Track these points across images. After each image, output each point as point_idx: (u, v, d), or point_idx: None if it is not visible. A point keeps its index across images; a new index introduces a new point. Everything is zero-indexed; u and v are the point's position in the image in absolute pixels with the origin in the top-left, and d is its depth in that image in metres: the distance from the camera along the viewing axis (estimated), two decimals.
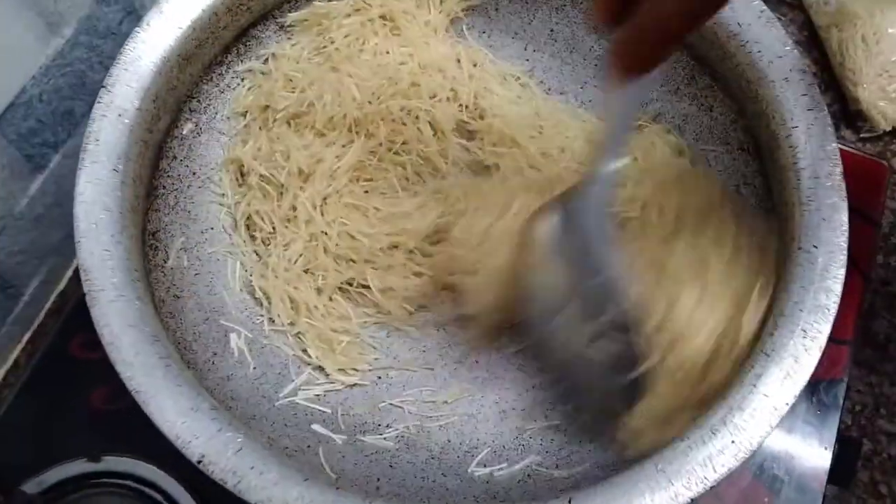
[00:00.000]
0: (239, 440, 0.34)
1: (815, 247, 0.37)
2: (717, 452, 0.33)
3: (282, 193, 0.47)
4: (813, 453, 0.47)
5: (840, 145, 0.54)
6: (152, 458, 0.45)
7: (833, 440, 0.47)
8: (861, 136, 0.61)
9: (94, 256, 0.37)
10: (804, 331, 0.35)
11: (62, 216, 0.53)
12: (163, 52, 0.43)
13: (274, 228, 0.47)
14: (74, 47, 0.49)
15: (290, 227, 0.47)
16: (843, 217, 0.38)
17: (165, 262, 0.44)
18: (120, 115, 0.41)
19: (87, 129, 0.40)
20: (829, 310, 0.36)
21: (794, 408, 0.48)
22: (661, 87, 0.50)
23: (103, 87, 0.41)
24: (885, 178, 0.56)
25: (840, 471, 0.47)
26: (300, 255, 0.46)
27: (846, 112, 0.62)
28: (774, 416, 0.34)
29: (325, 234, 0.46)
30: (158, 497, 0.45)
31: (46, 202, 0.52)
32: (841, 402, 0.48)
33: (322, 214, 0.46)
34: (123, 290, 0.37)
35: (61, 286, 0.55)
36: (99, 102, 0.41)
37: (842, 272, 0.37)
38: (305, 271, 0.46)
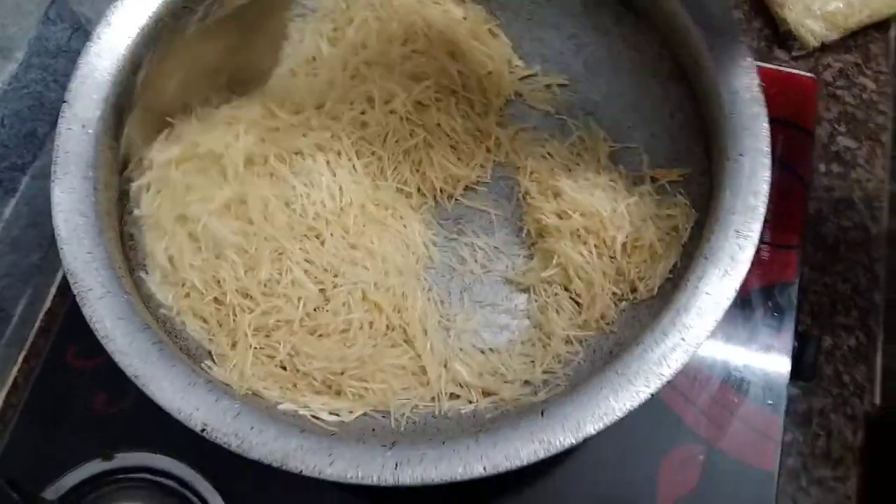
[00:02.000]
0: (236, 406, 0.36)
1: (741, 155, 0.40)
2: (670, 350, 0.36)
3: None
4: (775, 353, 0.50)
5: (773, 66, 0.57)
6: (161, 448, 0.47)
7: (791, 338, 0.51)
8: (793, 54, 0.63)
9: (77, 259, 0.39)
10: (737, 231, 0.38)
11: (39, 237, 0.55)
12: (117, 62, 0.44)
13: None
14: (28, 69, 0.51)
15: None
16: (764, 124, 0.41)
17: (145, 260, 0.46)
18: (84, 126, 0.42)
19: (54, 142, 0.42)
20: (758, 209, 0.39)
21: (752, 314, 0.51)
22: (593, 30, 0.53)
23: (64, 101, 0.43)
24: (815, 91, 0.59)
25: (802, 367, 0.50)
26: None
27: (777, 34, 0.64)
28: (718, 311, 0.37)
29: None
30: (173, 484, 0.47)
31: (21, 224, 0.53)
32: (795, 302, 0.52)
33: None
34: (110, 286, 0.39)
35: (47, 304, 0.56)
36: (63, 116, 0.42)
37: (767, 174, 0.40)
38: None
